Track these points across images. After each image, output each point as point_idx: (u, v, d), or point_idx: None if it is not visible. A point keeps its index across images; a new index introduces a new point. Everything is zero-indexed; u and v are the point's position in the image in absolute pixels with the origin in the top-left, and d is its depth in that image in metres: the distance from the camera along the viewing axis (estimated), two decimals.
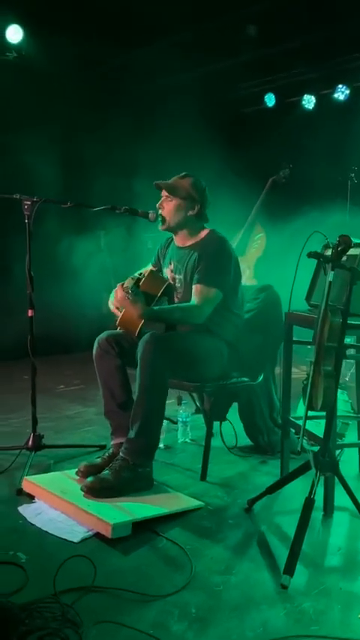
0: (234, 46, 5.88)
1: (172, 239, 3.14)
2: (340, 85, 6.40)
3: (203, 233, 3.03)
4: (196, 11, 5.34)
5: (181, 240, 3.07)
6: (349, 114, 6.21)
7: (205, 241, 2.99)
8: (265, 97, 6.81)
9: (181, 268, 3.01)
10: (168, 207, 2.99)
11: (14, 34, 5.62)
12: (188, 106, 6.57)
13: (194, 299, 2.89)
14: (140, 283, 2.92)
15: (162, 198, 3.02)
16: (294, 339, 2.97)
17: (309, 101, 6.65)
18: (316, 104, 6.65)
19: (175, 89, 6.58)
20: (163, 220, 3.02)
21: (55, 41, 5.46)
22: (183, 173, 3.05)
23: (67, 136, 5.68)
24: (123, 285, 2.86)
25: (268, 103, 6.82)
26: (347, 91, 6.41)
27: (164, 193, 3.02)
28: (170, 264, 3.09)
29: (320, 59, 6.21)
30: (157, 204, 3.04)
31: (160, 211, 3.02)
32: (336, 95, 6.43)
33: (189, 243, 3.04)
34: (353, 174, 5.47)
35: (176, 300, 3.05)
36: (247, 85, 6.92)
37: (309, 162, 6.03)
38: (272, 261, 5.30)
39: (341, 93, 6.42)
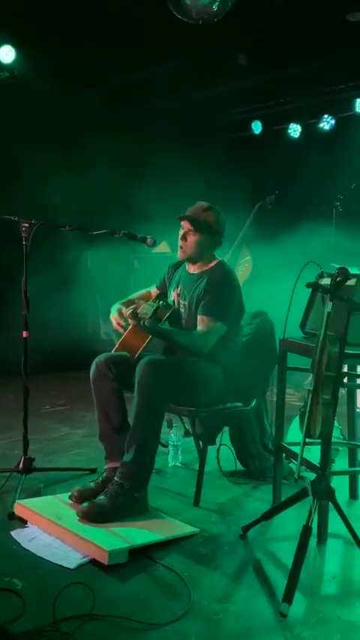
0: (224, 74, 6.01)
1: (183, 263, 3.18)
2: (325, 115, 6.56)
3: (213, 262, 3.08)
4: (188, 39, 5.45)
5: (192, 266, 3.12)
6: (334, 144, 6.36)
7: (214, 272, 3.03)
8: (252, 124, 6.95)
9: (187, 294, 3.05)
10: (191, 240, 3.00)
11: (7, 54, 5.67)
12: (176, 131, 6.68)
13: (200, 329, 2.92)
14: (158, 311, 2.94)
15: (184, 230, 3.00)
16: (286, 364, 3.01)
17: (295, 130, 6.80)
18: (302, 133, 6.80)
19: (164, 114, 6.69)
20: (184, 251, 3.03)
21: (47, 61, 5.52)
22: (206, 204, 3.02)
23: (59, 156, 5.71)
24: (136, 310, 2.86)
25: (254, 131, 6.96)
26: (332, 122, 6.57)
27: (188, 226, 3.00)
28: (177, 287, 3.13)
29: (307, 89, 6.38)
30: (180, 236, 3.02)
31: (180, 242, 3.02)
32: (321, 125, 6.59)
33: (199, 270, 3.09)
34: (338, 203, 5.58)
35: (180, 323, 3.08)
36: (235, 111, 7.06)
37: (295, 190, 6.15)
38: (258, 284, 5.38)
39: (326, 123, 6.59)
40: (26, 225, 3.05)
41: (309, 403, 2.35)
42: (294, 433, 3.40)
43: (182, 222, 3.02)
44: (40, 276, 5.31)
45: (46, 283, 5.45)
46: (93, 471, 3.31)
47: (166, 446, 3.62)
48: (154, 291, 3.29)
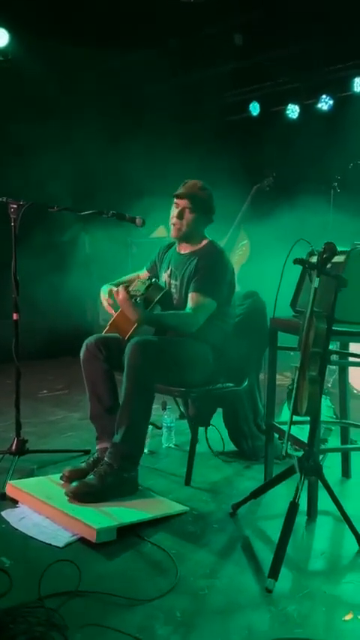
0: (220, 55, 5.94)
1: (173, 244, 3.17)
2: (323, 96, 6.47)
3: (203, 242, 3.07)
4: (184, 20, 5.40)
5: (183, 247, 3.10)
6: (332, 124, 6.28)
7: (205, 251, 3.02)
8: (250, 105, 6.88)
9: (178, 274, 3.04)
10: (188, 218, 2.98)
11: (0, 37, 5.62)
12: (173, 113, 6.63)
13: (189, 306, 2.91)
14: (150, 290, 2.92)
15: (180, 208, 2.97)
16: (279, 345, 3.00)
17: (293, 111, 6.72)
18: (300, 114, 6.72)
19: (160, 96, 6.63)
20: (179, 229, 3.00)
21: (41, 45, 5.48)
22: (200, 183, 3.00)
23: (52, 140, 5.68)
24: (128, 287, 2.86)
25: (252, 112, 6.89)
26: (331, 102, 6.48)
27: (185, 204, 2.97)
28: (168, 268, 3.11)
29: (305, 69, 6.30)
30: (175, 214, 2.99)
31: (173, 220, 3.00)
32: (320, 105, 6.50)
33: (189, 250, 3.08)
34: (336, 184, 5.53)
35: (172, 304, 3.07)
36: (233, 93, 6.99)
37: (293, 171, 6.09)
38: (255, 266, 5.35)
39: (325, 103, 6.50)
40: (14, 206, 3.03)
41: (296, 380, 2.34)
42: (287, 413, 3.39)
43: (177, 200, 3.00)
44: (38, 261, 5.33)
45: (44, 269, 5.46)
46: (86, 452, 3.32)
47: (159, 428, 3.62)
48: (143, 274, 3.28)
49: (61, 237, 5.95)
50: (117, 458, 2.68)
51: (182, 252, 3.10)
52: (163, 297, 3.05)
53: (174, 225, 3.03)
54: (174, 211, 3.01)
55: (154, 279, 3.04)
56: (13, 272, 3.06)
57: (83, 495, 2.59)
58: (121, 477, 2.67)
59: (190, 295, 2.92)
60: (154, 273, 3.24)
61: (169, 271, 3.11)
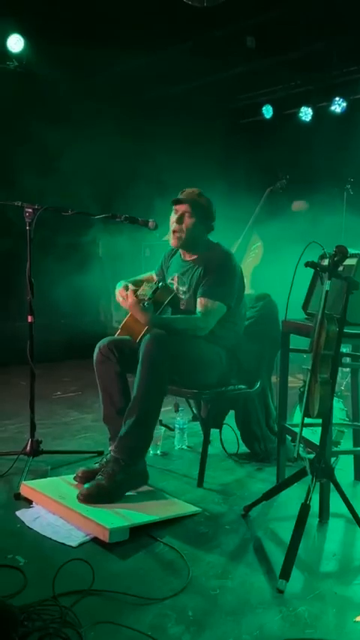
0: (232, 58, 5.96)
1: (177, 251, 3.18)
2: (337, 98, 6.47)
3: (209, 246, 3.08)
4: (195, 22, 5.41)
5: (188, 254, 3.12)
6: (345, 126, 6.28)
7: (211, 255, 3.03)
8: (263, 108, 6.90)
9: (186, 280, 3.05)
10: (187, 222, 2.98)
11: (15, 43, 5.69)
12: (187, 116, 6.66)
13: (199, 311, 2.93)
14: (157, 293, 2.94)
15: (179, 213, 2.98)
16: (291, 347, 3.01)
17: (306, 113, 6.73)
18: (313, 116, 6.72)
19: (174, 99, 6.67)
20: (179, 237, 3.00)
21: (55, 50, 5.53)
22: (198, 190, 3.00)
23: (67, 144, 5.74)
24: (136, 291, 2.88)
25: (265, 115, 6.90)
26: (344, 104, 6.48)
27: (185, 209, 2.98)
28: (175, 275, 3.13)
29: (317, 72, 6.30)
30: (174, 220, 2.99)
31: (173, 225, 3.00)
32: (333, 108, 6.50)
33: (195, 256, 3.09)
34: (349, 186, 5.53)
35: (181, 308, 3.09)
36: (245, 96, 7.01)
37: (306, 174, 6.10)
38: (268, 270, 5.36)
39: (338, 105, 6.50)
40: (30, 210, 3.08)
41: (307, 382, 2.35)
42: (299, 415, 3.40)
43: (176, 207, 3.01)
44: (54, 264, 5.38)
45: (60, 271, 5.51)
46: (100, 453, 3.34)
47: (172, 429, 3.65)
48: (155, 275, 3.30)
49: (77, 238, 6.00)
50: (123, 450, 2.70)
51: (187, 259, 3.11)
52: (173, 299, 3.07)
53: (174, 232, 3.01)
54: (173, 217, 3.02)
55: (161, 283, 3.05)
56: (27, 275, 3.10)
57: (96, 497, 2.61)
58: (129, 472, 2.69)
59: (198, 300, 2.94)
60: (161, 277, 3.26)
61: (175, 278, 3.13)
